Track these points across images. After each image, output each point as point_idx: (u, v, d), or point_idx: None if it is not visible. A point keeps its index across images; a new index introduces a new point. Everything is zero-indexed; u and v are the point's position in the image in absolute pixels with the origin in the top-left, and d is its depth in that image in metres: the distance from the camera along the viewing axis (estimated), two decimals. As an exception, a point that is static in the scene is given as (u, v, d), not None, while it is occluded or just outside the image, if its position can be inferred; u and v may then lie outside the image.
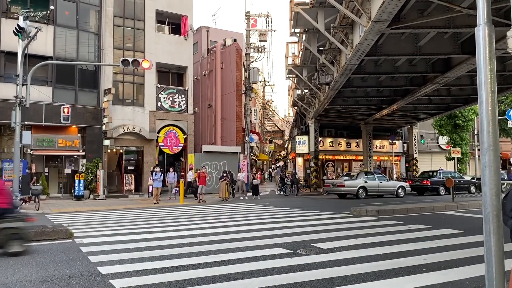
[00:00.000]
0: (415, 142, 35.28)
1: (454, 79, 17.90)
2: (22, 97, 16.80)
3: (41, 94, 20.84)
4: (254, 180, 23.47)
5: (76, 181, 21.85)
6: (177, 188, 21.46)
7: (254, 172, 26.00)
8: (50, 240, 8.92)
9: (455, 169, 31.24)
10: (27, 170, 20.42)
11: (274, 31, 33.63)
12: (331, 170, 34.61)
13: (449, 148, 33.78)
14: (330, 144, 34.01)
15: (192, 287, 5.33)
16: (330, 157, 34.57)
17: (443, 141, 38.13)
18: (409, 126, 35.01)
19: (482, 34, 2.64)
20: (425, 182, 25.17)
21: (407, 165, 36.56)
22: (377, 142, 35.26)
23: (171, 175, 22.18)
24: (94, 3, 24.07)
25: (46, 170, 22.70)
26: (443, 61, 17.07)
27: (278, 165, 53.38)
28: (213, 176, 25.89)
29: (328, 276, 5.77)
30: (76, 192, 21.81)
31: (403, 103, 23.35)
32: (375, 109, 26.59)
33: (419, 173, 30.54)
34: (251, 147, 32.21)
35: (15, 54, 18.32)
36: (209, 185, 24.25)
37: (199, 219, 12.98)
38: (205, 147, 27.80)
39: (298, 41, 22.91)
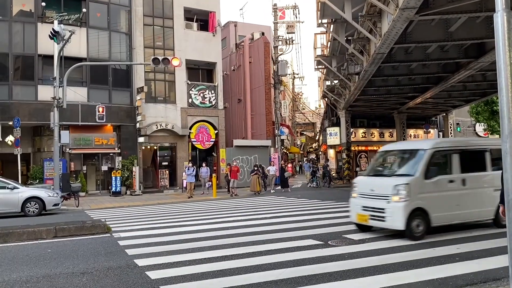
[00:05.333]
0: (451, 130, 34.34)
1: (489, 63, 17.27)
2: (59, 98, 17.52)
3: (77, 94, 21.57)
4: (285, 173, 23.53)
5: (113, 178, 22.56)
6: (210, 183, 21.81)
7: (283, 163, 26.01)
8: (89, 234, 9.31)
9: (493, 157, 30.22)
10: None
11: (302, 22, 33.45)
12: (364, 161, 34.19)
13: (487, 136, 32.72)
14: (362, 135, 33.59)
15: (224, 277, 5.49)
16: (363, 148, 34.15)
17: (480, 128, 36.93)
18: (444, 114, 34.08)
19: (501, 20, 2.61)
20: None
21: (443, 154, 35.64)
22: (411, 132, 34.53)
23: (204, 170, 22.53)
24: (124, 3, 24.62)
25: (84, 168, 23.52)
26: (476, 46, 16.51)
27: (309, 157, 53.05)
28: (245, 170, 26.12)
29: (358, 266, 5.81)
30: (113, 189, 22.52)
31: (437, 90, 22.77)
32: (408, 97, 26.03)
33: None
34: (282, 140, 32.24)
35: (51, 57, 19.08)
36: (241, 179, 24.49)
37: (231, 212, 13.19)
38: (236, 142, 28.07)
39: (326, 31, 22.73)
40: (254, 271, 5.76)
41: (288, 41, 30.86)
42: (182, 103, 25.85)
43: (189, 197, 19.92)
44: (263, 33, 33.07)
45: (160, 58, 17.54)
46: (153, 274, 5.74)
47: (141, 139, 23.91)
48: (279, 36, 30.53)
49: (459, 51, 17.11)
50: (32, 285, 5.43)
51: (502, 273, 5.26)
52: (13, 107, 20.85)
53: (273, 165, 24.36)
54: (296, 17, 33.09)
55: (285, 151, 39.85)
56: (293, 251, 6.89)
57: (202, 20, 27.79)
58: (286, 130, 33.72)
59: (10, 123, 19.48)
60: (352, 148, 30.85)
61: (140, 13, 24.83)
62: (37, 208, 14.15)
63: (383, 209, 7.65)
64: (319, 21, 17.43)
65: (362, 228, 8.46)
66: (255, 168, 22.16)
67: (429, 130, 32.34)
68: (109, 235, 9.28)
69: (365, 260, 6.15)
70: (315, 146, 58.96)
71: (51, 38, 17.09)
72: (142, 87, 23.68)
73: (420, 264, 5.84)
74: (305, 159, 50.27)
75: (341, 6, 14.80)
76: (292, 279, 5.29)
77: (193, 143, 26.29)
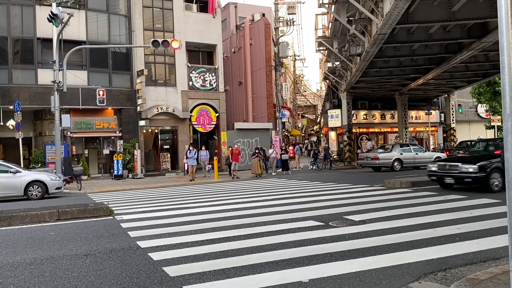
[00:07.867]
0: (453, 111, 34.21)
1: (492, 44, 17.12)
2: (60, 82, 17.45)
3: (77, 78, 21.48)
4: (283, 155, 23.58)
5: (115, 161, 22.63)
6: (210, 166, 21.87)
7: (283, 146, 26.03)
8: (92, 217, 9.39)
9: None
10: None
11: (303, 3, 32.94)
12: (365, 143, 34.19)
13: (488, 117, 32.60)
14: (363, 117, 33.49)
15: (226, 258, 5.53)
16: (364, 130, 34.09)
17: (482, 109, 36.82)
18: (446, 95, 33.91)
19: (504, -4, 2.57)
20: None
21: (444, 135, 35.60)
22: (412, 113, 34.41)
23: (203, 153, 22.57)
24: (122, -15, 24.31)
25: (86, 151, 23.58)
26: (479, 26, 16.33)
27: (310, 140, 53.02)
28: (246, 153, 26.16)
29: (359, 247, 5.84)
30: (115, 172, 22.62)
31: (439, 71, 22.62)
32: (410, 79, 25.88)
33: (457, 143, 29.75)
34: (283, 123, 32.19)
35: (50, 41, 18.98)
36: (242, 161, 24.54)
37: (233, 195, 13.25)
38: (237, 125, 28.04)
39: (327, 12, 22.48)
40: (256, 251, 5.81)
41: (289, 22, 30.53)
42: (183, 86, 25.75)
43: (191, 180, 20.00)
44: (263, 14, 32.71)
45: (160, 40, 17.40)
46: (155, 256, 5.80)
47: (142, 123, 23.90)
48: (280, 17, 30.18)
49: (462, 31, 16.94)
50: (36, 267, 5.49)
51: (501, 252, 5.30)
52: (13, 91, 20.80)
53: (274, 148, 24.38)
54: (297, -2, 32.59)
55: (286, 133, 39.83)
56: (294, 232, 6.93)
57: (202, 2, 27.47)
58: (287, 113, 33.64)
59: (11, 107, 19.46)
60: (354, 130, 30.81)
61: (139, -6, 24.54)
62: (39, 192, 14.24)
63: None
64: (320, 1, 17.24)
65: None
66: (256, 151, 22.18)
67: (431, 111, 32.21)
68: (111, 217, 9.34)
69: (366, 241, 6.18)
70: (316, 129, 58.87)
71: (50, 21, 16.93)
72: (142, 70, 23.56)
73: (421, 244, 5.87)
74: (306, 141, 50.20)
75: (342, -15, 14.62)
76: (293, 260, 5.34)
77: (194, 126, 26.28)
